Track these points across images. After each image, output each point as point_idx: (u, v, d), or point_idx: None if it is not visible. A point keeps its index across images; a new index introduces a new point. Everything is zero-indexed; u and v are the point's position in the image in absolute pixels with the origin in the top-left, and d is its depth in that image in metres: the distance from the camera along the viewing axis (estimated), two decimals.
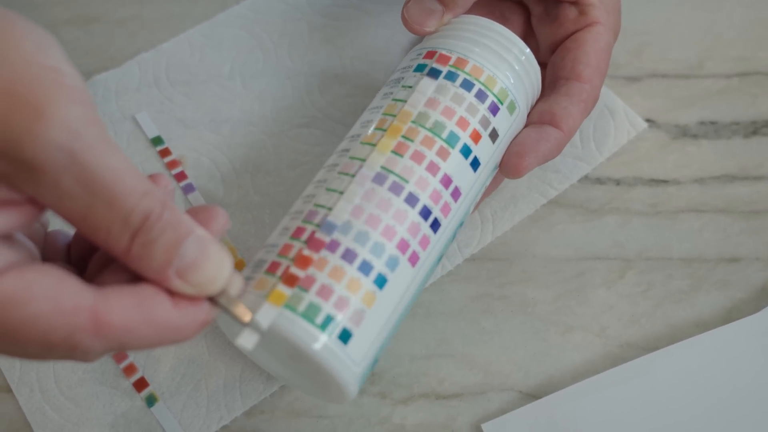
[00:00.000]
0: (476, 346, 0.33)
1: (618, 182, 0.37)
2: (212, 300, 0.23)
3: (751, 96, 0.40)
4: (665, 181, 0.38)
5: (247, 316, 0.24)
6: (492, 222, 0.36)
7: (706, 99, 0.40)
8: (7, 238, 0.22)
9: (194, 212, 0.24)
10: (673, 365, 0.32)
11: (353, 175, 0.28)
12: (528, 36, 0.36)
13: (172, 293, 0.23)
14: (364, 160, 0.28)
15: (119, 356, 0.33)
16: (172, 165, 0.38)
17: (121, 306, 0.21)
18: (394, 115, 0.29)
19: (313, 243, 0.26)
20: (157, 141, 0.38)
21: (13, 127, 0.19)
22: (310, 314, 0.25)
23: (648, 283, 0.35)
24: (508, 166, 0.30)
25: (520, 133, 0.31)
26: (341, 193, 0.27)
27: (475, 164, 0.29)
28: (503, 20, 0.36)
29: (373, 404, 0.32)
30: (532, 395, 0.32)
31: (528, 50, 0.31)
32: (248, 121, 0.39)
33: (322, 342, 0.25)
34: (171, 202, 0.22)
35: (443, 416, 0.32)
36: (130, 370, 0.33)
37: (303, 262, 0.26)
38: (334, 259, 0.26)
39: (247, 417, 0.32)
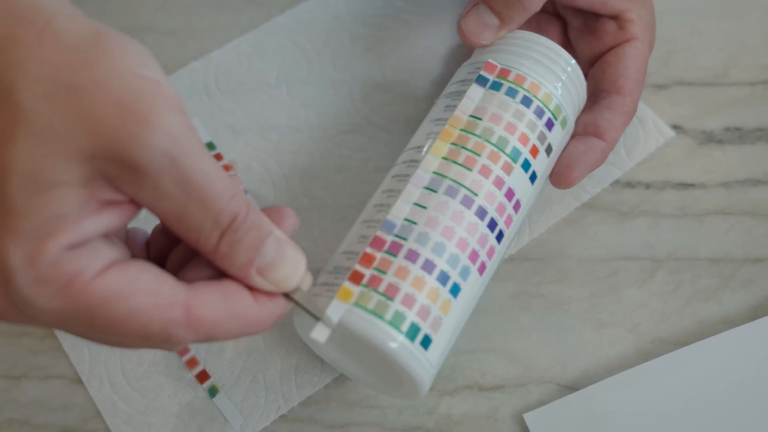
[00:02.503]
0: (516, 342, 0.35)
1: (648, 186, 0.39)
2: (287, 296, 0.25)
3: None
4: (692, 185, 0.40)
5: (318, 311, 0.26)
6: (528, 224, 0.38)
7: (731, 106, 0.42)
8: (108, 237, 0.24)
9: (267, 212, 0.26)
10: (703, 360, 0.34)
11: (427, 188, 0.29)
12: (564, 46, 0.38)
13: (251, 289, 0.25)
14: (435, 173, 0.30)
15: (182, 350, 0.35)
16: (224, 169, 0.40)
17: (210, 301, 0.24)
18: (461, 129, 0.31)
19: (393, 249, 0.28)
20: (209, 146, 0.41)
21: (122, 134, 0.21)
22: (396, 321, 0.27)
23: (677, 282, 0.37)
24: (560, 178, 0.33)
25: (568, 145, 0.33)
26: (420, 206, 0.29)
27: (533, 178, 0.31)
28: (539, 30, 0.38)
29: None
30: (570, 387, 0.34)
31: (575, 62, 0.33)
32: (295, 128, 0.41)
33: (411, 349, 0.27)
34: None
35: (487, 407, 0.34)
36: (192, 363, 0.35)
37: (383, 265, 0.28)
38: (415, 269, 0.28)
39: (303, 407, 0.34)
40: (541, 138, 0.31)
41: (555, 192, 0.39)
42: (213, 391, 0.35)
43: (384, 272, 0.28)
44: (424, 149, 0.31)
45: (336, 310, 0.27)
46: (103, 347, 0.35)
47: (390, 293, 0.27)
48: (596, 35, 0.36)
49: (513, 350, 0.35)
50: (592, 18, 0.36)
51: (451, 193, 0.29)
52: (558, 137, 0.32)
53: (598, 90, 0.35)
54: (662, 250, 0.38)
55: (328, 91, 0.42)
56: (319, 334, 0.26)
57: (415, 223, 0.29)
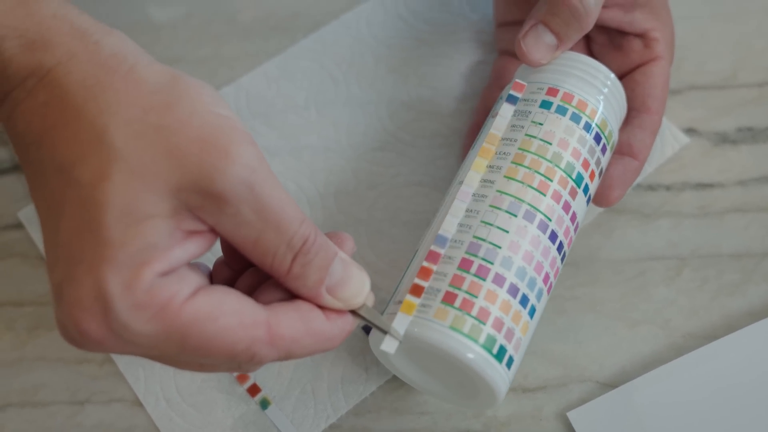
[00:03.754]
0: (554, 343, 0.37)
1: (668, 188, 0.41)
2: (354, 312, 0.27)
3: None
4: (710, 185, 0.41)
5: (385, 325, 0.27)
6: None
7: (742, 107, 0.43)
8: (192, 265, 0.25)
9: (329, 237, 0.28)
10: (733, 351, 0.35)
11: (506, 211, 0.30)
12: None
13: (321, 308, 0.26)
14: (509, 195, 0.31)
15: None
16: None
17: (288, 319, 0.25)
18: (533, 152, 0.31)
19: (482, 273, 0.29)
20: None
21: (205, 166, 0.23)
22: (488, 345, 0.29)
23: (703, 279, 0.38)
24: (602, 198, 0.35)
25: (608, 166, 0.35)
26: (502, 229, 0.30)
27: (588, 200, 0.33)
28: None
29: None
30: (609, 384, 0.36)
31: (614, 77, 0.34)
32: (326, 147, 0.43)
33: (499, 371, 0.29)
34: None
35: (531, 407, 0.35)
36: (242, 377, 0.37)
37: (474, 288, 0.29)
38: (502, 293, 0.29)
39: (356, 416, 0.36)
40: (598, 163, 0.33)
41: None
42: (265, 404, 0.36)
43: (475, 296, 0.29)
44: (501, 171, 0.31)
45: (401, 323, 0.28)
46: (157, 367, 0.37)
47: (482, 317, 0.29)
48: (622, 52, 0.37)
49: (552, 351, 0.37)
50: (617, 35, 0.38)
51: (529, 217, 0.30)
52: (607, 160, 0.34)
53: (629, 108, 0.37)
54: (686, 248, 0.39)
55: (356, 111, 0.44)
56: (388, 346, 0.28)
57: (499, 247, 0.30)
